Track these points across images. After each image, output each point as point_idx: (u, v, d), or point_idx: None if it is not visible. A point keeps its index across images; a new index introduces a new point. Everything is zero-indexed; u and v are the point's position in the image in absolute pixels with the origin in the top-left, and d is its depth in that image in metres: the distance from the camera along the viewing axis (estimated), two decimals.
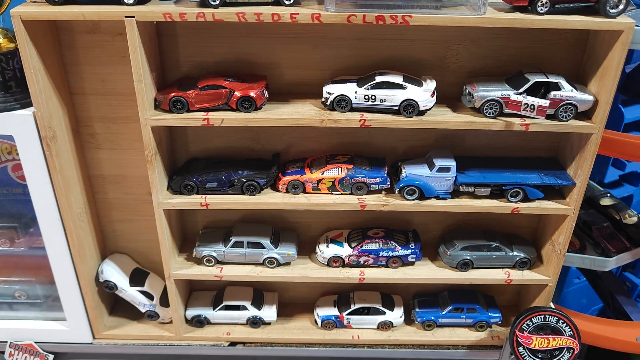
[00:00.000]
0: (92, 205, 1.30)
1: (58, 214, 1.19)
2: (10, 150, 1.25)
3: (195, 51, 1.15)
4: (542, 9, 0.99)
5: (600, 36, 1.06)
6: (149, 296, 1.36)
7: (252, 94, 1.07)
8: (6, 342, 1.36)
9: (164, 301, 1.37)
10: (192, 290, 1.46)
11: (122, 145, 1.25)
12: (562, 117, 1.07)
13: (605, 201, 1.71)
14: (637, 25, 1.24)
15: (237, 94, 1.08)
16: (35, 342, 1.37)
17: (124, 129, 1.22)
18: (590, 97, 1.06)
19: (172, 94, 1.07)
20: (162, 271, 1.38)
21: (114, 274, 1.33)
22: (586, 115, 1.09)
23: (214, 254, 1.28)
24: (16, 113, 1.09)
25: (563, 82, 1.07)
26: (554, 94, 1.06)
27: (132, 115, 1.18)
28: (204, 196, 1.18)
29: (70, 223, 1.20)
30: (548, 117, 1.08)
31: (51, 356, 1.38)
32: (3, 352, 1.38)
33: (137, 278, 1.37)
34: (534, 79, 1.07)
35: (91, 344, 1.38)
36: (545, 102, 1.05)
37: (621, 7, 0.99)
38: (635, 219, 1.63)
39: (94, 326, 1.36)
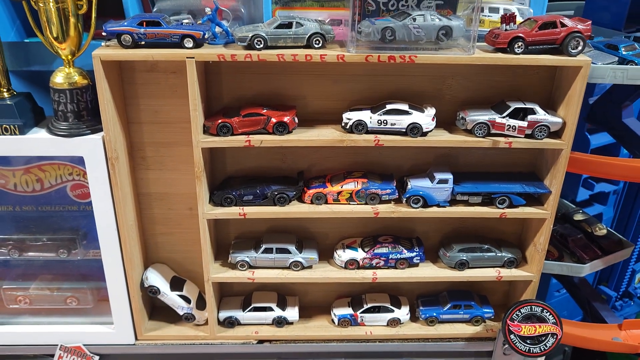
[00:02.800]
0: (139, 219, 1.50)
1: (115, 225, 1.38)
2: (71, 172, 1.45)
3: (236, 86, 1.38)
4: (518, 50, 1.25)
5: (565, 71, 1.33)
6: (187, 300, 1.54)
7: (285, 119, 1.31)
8: (57, 345, 1.53)
9: (199, 305, 1.55)
10: (223, 296, 1.64)
11: (168, 167, 1.45)
12: (538, 136, 1.32)
13: (578, 216, 1.95)
14: (594, 63, 1.52)
15: (273, 120, 1.31)
16: (84, 345, 1.53)
17: (171, 152, 1.44)
18: (560, 120, 1.32)
19: (220, 121, 1.30)
20: (196, 279, 1.58)
21: (157, 280, 1.52)
22: (557, 134, 1.34)
23: (247, 259, 1.48)
24: (88, 137, 1.31)
25: (537, 108, 1.32)
26: (530, 117, 1.31)
27: (178, 141, 1.40)
28: (241, 207, 1.39)
29: (125, 234, 1.40)
30: (526, 136, 1.32)
31: (97, 357, 1.54)
32: (53, 355, 1.54)
33: (176, 284, 1.55)
34: (514, 105, 1.33)
35: (134, 344, 1.54)
36: (524, 124, 1.30)
37: (580, 47, 1.25)
38: (604, 231, 1.86)
39: (137, 328, 1.53)
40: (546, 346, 1.48)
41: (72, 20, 1.26)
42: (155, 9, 1.42)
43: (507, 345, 1.50)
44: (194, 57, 1.21)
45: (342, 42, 1.29)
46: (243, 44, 1.23)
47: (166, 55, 1.21)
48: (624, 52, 1.57)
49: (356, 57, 1.22)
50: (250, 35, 1.21)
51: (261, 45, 1.22)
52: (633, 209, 2.48)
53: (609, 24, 1.90)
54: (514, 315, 1.47)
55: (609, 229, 1.86)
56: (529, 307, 1.47)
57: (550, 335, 1.47)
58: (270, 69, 1.36)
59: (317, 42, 1.24)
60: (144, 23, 1.21)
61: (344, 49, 1.24)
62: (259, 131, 1.32)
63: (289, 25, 1.24)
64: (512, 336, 1.47)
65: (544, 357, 1.53)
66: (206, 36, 1.24)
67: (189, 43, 1.22)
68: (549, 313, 1.46)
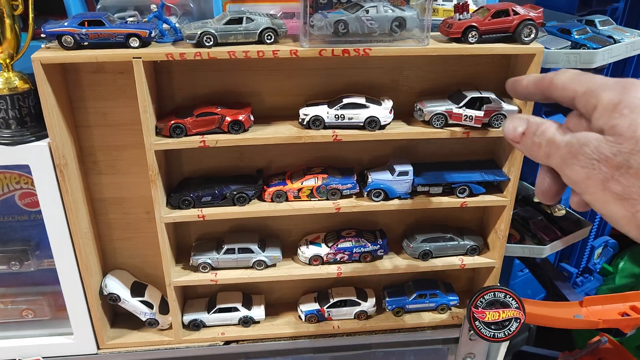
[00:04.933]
0: (94, 225, 1.45)
1: (68, 233, 1.33)
2: (18, 180, 1.38)
3: (188, 84, 1.34)
4: (472, 39, 1.24)
5: (519, 59, 1.33)
6: (149, 305, 1.50)
7: (240, 117, 1.27)
8: (15, 359, 1.47)
9: (163, 309, 1.52)
10: (187, 299, 1.61)
11: (121, 170, 1.40)
12: (495, 124, 1.32)
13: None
14: (547, 48, 1.53)
15: (228, 119, 1.27)
16: (43, 357, 1.48)
17: (123, 155, 1.39)
18: (515, 107, 1.32)
19: (172, 122, 1.25)
20: (158, 283, 1.54)
21: (117, 287, 1.47)
22: None
23: (209, 261, 1.45)
24: (33, 144, 1.24)
25: (493, 96, 1.32)
26: (486, 106, 1.31)
27: (130, 143, 1.35)
28: (200, 209, 1.36)
29: (79, 241, 1.35)
30: (483, 125, 1.32)
31: None
32: None
33: (137, 290, 1.51)
34: (470, 95, 1.32)
35: (96, 354, 1.50)
36: (480, 113, 1.30)
37: (532, 35, 1.25)
38: (563, 211, 1.90)
39: (99, 337, 1.49)
40: (510, 330, 1.50)
41: (7, 21, 1.19)
42: (99, 6, 1.36)
43: (472, 332, 1.52)
44: (140, 57, 1.16)
45: (295, 36, 1.26)
46: (192, 42, 1.19)
47: (111, 56, 1.16)
48: (576, 36, 1.59)
49: (309, 52, 1.19)
50: (199, 33, 1.17)
51: (211, 43, 1.18)
52: None
53: (563, 7, 1.92)
54: (478, 302, 1.48)
55: (567, 209, 1.90)
56: (492, 293, 1.48)
57: (514, 319, 1.50)
58: (223, 66, 1.32)
59: (269, 37, 1.21)
60: (86, 23, 1.16)
61: (297, 43, 1.21)
62: (214, 131, 1.28)
63: (239, 21, 1.20)
64: (477, 323, 1.49)
65: (508, 341, 1.56)
66: (153, 34, 1.19)
67: (134, 42, 1.17)
68: (511, 298, 1.48)
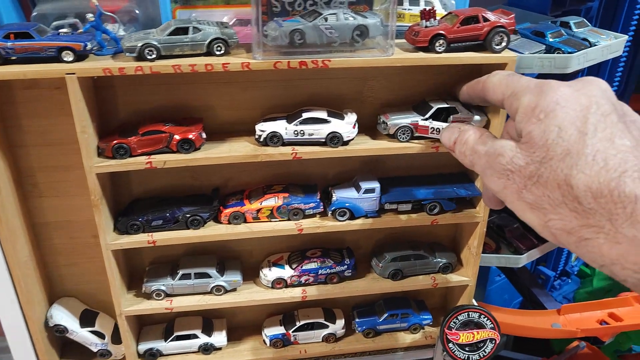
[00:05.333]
0: (37, 252, 1.33)
1: (5, 263, 1.22)
2: None
3: (133, 99, 1.23)
4: (439, 48, 1.15)
5: (492, 68, 1.23)
6: (101, 335, 1.40)
7: (190, 136, 1.16)
8: None
9: (116, 339, 1.41)
10: (142, 325, 1.50)
11: (64, 192, 1.29)
12: None
13: None
14: (521, 53, 1.45)
15: (177, 137, 1.16)
16: None
17: (66, 176, 1.27)
18: (483, 117, 1.24)
19: (115, 142, 1.14)
20: (111, 310, 1.42)
21: (64, 317, 1.36)
22: None
23: (163, 288, 1.35)
24: None
25: (460, 106, 1.23)
26: (453, 117, 1.22)
27: (73, 163, 1.23)
28: (150, 234, 1.25)
29: (18, 272, 1.23)
30: None
31: None
32: None
33: (87, 319, 1.40)
34: (436, 105, 1.23)
35: None
36: (447, 123, 1.22)
37: (504, 43, 1.17)
38: None
39: None
40: (485, 352, 1.43)
41: None
42: (34, 13, 1.24)
43: (445, 353, 1.44)
44: (75, 73, 1.04)
45: (249, 45, 1.15)
46: (133, 55, 1.07)
47: (42, 72, 1.04)
48: (550, 40, 1.51)
49: (263, 65, 1.09)
50: (139, 45, 1.06)
51: (154, 56, 1.07)
52: None
53: (535, 7, 1.85)
54: (452, 323, 1.41)
55: None
56: (466, 313, 1.40)
57: (489, 340, 1.42)
58: (171, 79, 1.21)
59: (219, 48, 1.10)
60: (11, 35, 1.04)
61: (250, 55, 1.11)
62: (162, 150, 1.18)
63: (185, 31, 1.09)
64: (450, 345, 1.41)
65: None
66: (89, 47, 1.07)
67: (68, 56, 1.05)
68: (486, 318, 1.41)
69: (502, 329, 1.47)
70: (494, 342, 1.43)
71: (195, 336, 1.44)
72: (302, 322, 1.48)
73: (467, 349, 1.42)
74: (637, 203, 0.57)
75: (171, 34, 1.08)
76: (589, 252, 0.62)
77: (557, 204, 0.63)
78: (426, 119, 1.22)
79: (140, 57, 1.07)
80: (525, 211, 0.68)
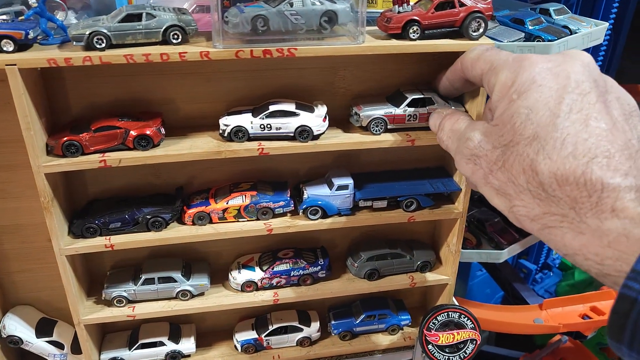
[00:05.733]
0: None
1: None
2: None
3: (86, 92, 1.14)
4: (413, 35, 1.08)
5: None
6: (59, 345, 1.31)
7: (148, 132, 1.08)
8: None
9: (76, 348, 1.32)
10: (106, 333, 1.42)
11: (13, 194, 1.20)
12: None
13: None
14: (500, 41, 1.39)
15: (133, 133, 1.08)
16: None
17: (14, 176, 1.18)
18: (460, 108, 1.17)
19: (65, 139, 1.05)
20: (70, 318, 1.34)
21: (18, 327, 1.27)
22: None
23: (125, 294, 1.26)
24: None
25: (436, 97, 1.17)
26: (429, 107, 1.15)
27: (22, 162, 1.13)
28: (107, 237, 1.17)
29: None
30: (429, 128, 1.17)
31: None
32: None
33: (44, 328, 1.31)
34: (411, 96, 1.16)
35: None
36: (424, 110, 1.15)
37: (481, 30, 1.10)
38: None
39: None
40: (466, 353, 1.37)
41: None
42: None
43: (425, 355, 1.38)
44: (15, 64, 0.95)
45: (210, 33, 1.06)
46: (81, 44, 0.99)
47: None
48: (530, 27, 1.46)
49: (224, 54, 1.01)
50: (87, 33, 0.97)
51: (103, 45, 0.98)
52: None
53: None
54: (431, 324, 1.35)
55: None
56: (445, 313, 1.35)
57: (469, 341, 1.37)
58: (127, 70, 1.13)
59: (175, 36, 1.02)
60: None
61: (211, 42, 1.02)
62: (118, 147, 1.09)
63: (138, 18, 1.00)
64: (429, 347, 1.35)
65: None
66: (32, 35, 0.98)
67: (8, 46, 0.96)
68: (467, 318, 1.35)
69: (483, 326, 1.42)
70: (474, 342, 1.37)
71: (161, 343, 1.36)
72: (275, 326, 1.41)
73: (447, 350, 1.37)
74: (602, 192, 0.54)
75: (122, 20, 0.99)
76: (552, 241, 0.59)
77: (521, 190, 0.61)
78: (401, 110, 1.15)
79: (89, 47, 0.98)
80: (492, 196, 0.67)
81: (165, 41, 1.02)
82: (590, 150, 0.56)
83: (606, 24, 1.51)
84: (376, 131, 1.16)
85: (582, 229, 0.55)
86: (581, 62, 0.63)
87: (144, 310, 1.27)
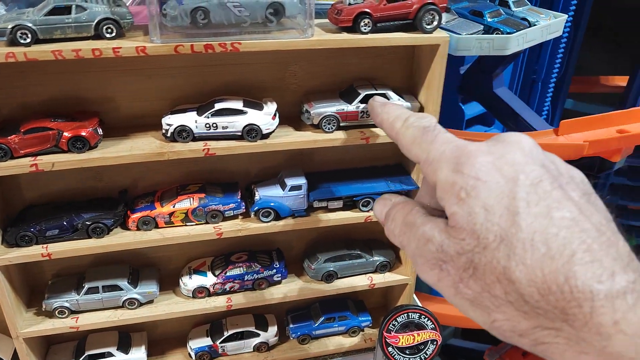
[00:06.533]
0: None
1: None
2: None
3: (17, 92, 1.06)
4: (365, 29, 1.03)
5: (423, 49, 1.14)
6: None
7: (83, 133, 1.01)
8: None
9: None
10: (51, 345, 1.34)
11: None
12: None
13: None
14: (458, 33, 1.35)
15: (67, 134, 1.00)
16: None
17: None
18: (415, 103, 1.13)
19: None
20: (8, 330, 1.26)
21: None
22: None
23: (67, 304, 1.19)
24: None
25: (390, 93, 1.13)
26: None
27: None
28: (45, 246, 1.09)
29: None
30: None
31: None
32: None
33: None
34: (364, 92, 1.12)
35: None
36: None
37: (435, 23, 1.06)
38: None
39: None
40: (426, 354, 1.34)
41: None
42: None
43: (385, 357, 1.34)
44: None
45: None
46: (3, 39, 0.91)
47: None
48: (489, 20, 1.42)
49: (163, 49, 0.94)
50: (10, 27, 0.89)
51: (28, 40, 0.91)
52: None
53: None
54: (390, 325, 1.31)
55: None
56: (405, 314, 1.31)
57: (430, 342, 1.33)
58: (61, 67, 1.05)
59: (109, 30, 0.95)
60: None
61: (148, 37, 0.95)
62: (51, 150, 1.01)
63: (67, 10, 0.93)
64: (389, 349, 1.32)
65: None
66: None
67: None
68: (427, 318, 1.32)
69: (447, 321, 1.39)
70: (435, 343, 1.34)
71: (109, 354, 1.29)
72: (231, 332, 1.35)
73: (407, 352, 1.33)
74: (594, 301, 0.45)
75: (49, 13, 0.92)
76: (550, 358, 0.50)
77: (501, 302, 0.51)
78: (353, 106, 1.11)
79: (13, 42, 0.91)
80: (467, 309, 0.55)
81: (98, 35, 0.95)
82: (566, 247, 0.48)
83: (565, 16, 1.49)
84: (328, 129, 1.12)
85: (583, 347, 0.46)
86: (522, 150, 0.56)
87: (88, 320, 1.21)
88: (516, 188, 0.52)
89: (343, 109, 1.10)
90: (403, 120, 0.73)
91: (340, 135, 1.11)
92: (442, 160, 0.58)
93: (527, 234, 0.49)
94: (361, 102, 1.11)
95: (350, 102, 1.11)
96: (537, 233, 0.49)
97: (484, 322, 0.54)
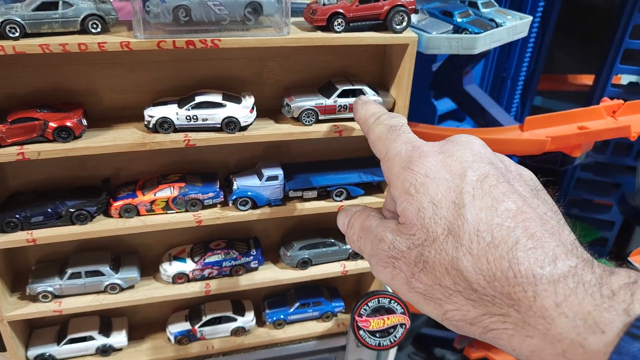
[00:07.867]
0: None
1: None
2: None
3: (3, 83, 1.09)
4: (338, 28, 1.09)
5: (394, 48, 1.20)
6: None
7: (68, 123, 1.05)
8: None
9: (0, 345, 1.29)
10: (33, 329, 1.38)
11: None
12: None
13: None
14: (428, 33, 1.42)
15: (53, 124, 1.05)
16: None
17: None
18: (389, 99, 1.20)
19: None
20: None
21: None
22: None
23: (50, 289, 1.23)
24: None
25: (366, 88, 1.19)
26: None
27: None
28: (29, 232, 1.14)
29: None
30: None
31: None
32: None
33: None
34: (342, 87, 1.18)
35: None
36: (354, 100, 1.17)
37: (404, 23, 1.13)
38: None
39: None
40: (396, 337, 1.41)
41: None
42: None
43: (357, 340, 1.42)
44: None
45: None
46: None
47: None
48: (458, 20, 1.50)
49: (146, 44, 0.99)
50: None
51: (17, 34, 0.95)
52: None
53: None
54: (362, 310, 1.38)
55: None
56: (376, 299, 1.38)
57: (399, 325, 1.41)
58: (47, 60, 1.09)
59: (95, 25, 0.99)
60: None
61: (132, 32, 1.00)
62: (37, 139, 1.06)
63: (54, 6, 0.97)
64: (361, 332, 1.39)
65: (396, 347, 1.48)
66: None
67: None
68: (396, 303, 1.39)
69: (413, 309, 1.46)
70: (404, 326, 1.41)
71: (91, 338, 1.34)
72: (209, 317, 1.41)
73: (377, 335, 1.40)
74: (537, 285, 0.47)
75: (37, 9, 0.96)
76: (500, 345, 0.51)
77: (450, 292, 0.53)
78: (331, 101, 1.17)
79: (2, 36, 0.95)
80: (421, 303, 0.58)
81: (84, 30, 0.99)
82: (510, 235, 0.50)
83: (530, 18, 1.57)
84: (307, 122, 1.18)
85: (529, 331, 0.47)
86: (471, 150, 0.59)
87: (71, 305, 1.25)
88: (463, 183, 0.56)
89: (322, 103, 1.17)
90: (375, 117, 0.81)
91: (316, 128, 1.17)
92: (397, 159, 0.63)
93: (472, 225, 0.53)
94: (339, 96, 1.17)
95: (328, 96, 1.17)
96: (482, 224, 0.52)
97: (437, 315, 0.57)
